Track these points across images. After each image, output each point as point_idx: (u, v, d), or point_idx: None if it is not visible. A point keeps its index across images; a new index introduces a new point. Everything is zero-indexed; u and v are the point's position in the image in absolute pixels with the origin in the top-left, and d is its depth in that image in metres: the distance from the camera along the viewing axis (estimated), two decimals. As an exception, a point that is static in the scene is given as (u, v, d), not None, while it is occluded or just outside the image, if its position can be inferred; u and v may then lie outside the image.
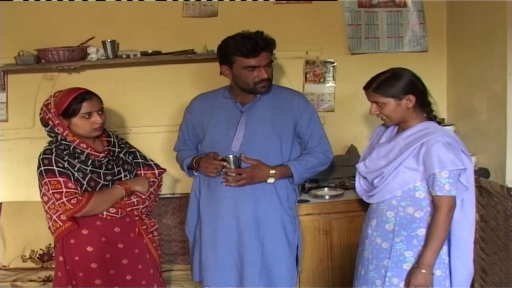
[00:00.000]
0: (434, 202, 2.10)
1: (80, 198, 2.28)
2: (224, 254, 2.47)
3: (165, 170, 2.64)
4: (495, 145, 2.79)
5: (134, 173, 2.52)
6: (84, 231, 2.35)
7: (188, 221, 2.62)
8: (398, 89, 2.12)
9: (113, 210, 2.37)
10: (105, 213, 2.36)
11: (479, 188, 2.84)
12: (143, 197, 2.46)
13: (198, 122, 2.56)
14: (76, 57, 3.10)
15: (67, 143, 2.32)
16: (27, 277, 3.08)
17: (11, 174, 3.36)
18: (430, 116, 2.21)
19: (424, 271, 2.08)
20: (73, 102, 2.30)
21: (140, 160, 2.56)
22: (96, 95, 2.38)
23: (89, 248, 2.34)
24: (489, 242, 2.83)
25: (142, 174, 2.54)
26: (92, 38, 3.19)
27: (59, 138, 2.33)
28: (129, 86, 3.33)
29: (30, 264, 3.22)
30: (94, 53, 3.12)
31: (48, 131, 2.36)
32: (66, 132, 2.32)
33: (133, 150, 2.58)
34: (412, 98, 2.13)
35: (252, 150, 2.42)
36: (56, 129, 2.32)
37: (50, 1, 3.19)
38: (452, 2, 3.26)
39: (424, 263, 2.08)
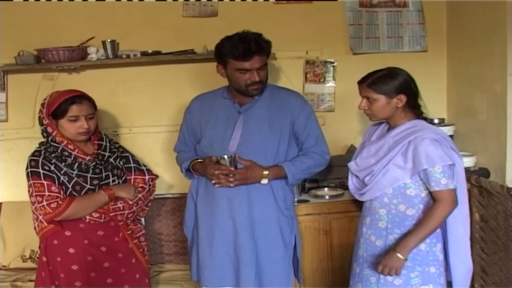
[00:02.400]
0: (435, 198, 2.11)
1: (60, 202, 2.27)
2: (221, 254, 2.47)
3: (157, 176, 2.62)
4: (495, 145, 2.79)
5: (124, 178, 2.51)
6: (67, 233, 2.34)
7: (186, 221, 2.63)
8: (391, 87, 2.14)
9: (95, 214, 2.36)
10: (88, 217, 2.35)
11: (479, 188, 2.85)
12: (130, 203, 2.44)
13: (197, 123, 2.56)
14: (76, 57, 3.10)
15: (56, 144, 2.33)
16: (27, 277, 3.07)
17: (11, 174, 3.35)
18: (420, 116, 2.23)
19: (399, 255, 2.07)
20: (62, 104, 2.30)
21: (132, 165, 2.54)
22: (89, 100, 2.37)
23: (71, 250, 2.34)
24: (489, 242, 2.84)
25: (132, 180, 2.52)
26: (92, 38, 3.18)
27: (49, 139, 2.34)
28: (129, 86, 3.33)
29: (30, 264, 3.21)
30: (94, 53, 3.12)
31: (42, 130, 2.37)
32: (55, 132, 2.32)
33: (126, 154, 2.56)
34: (403, 98, 2.16)
35: (249, 151, 2.42)
36: (48, 129, 2.33)
37: (50, 1, 3.19)
38: (452, 2, 3.26)
39: (403, 247, 2.07)
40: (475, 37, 2.97)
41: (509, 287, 2.68)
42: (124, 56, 3.13)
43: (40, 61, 3.14)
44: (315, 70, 3.37)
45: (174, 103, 3.29)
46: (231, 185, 2.38)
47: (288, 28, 3.25)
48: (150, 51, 3.17)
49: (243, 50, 2.31)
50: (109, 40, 3.10)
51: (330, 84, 3.38)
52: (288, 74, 3.33)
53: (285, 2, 3.29)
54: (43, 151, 2.34)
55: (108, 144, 2.47)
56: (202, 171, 2.47)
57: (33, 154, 2.35)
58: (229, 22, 3.10)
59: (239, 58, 2.33)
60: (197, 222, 2.55)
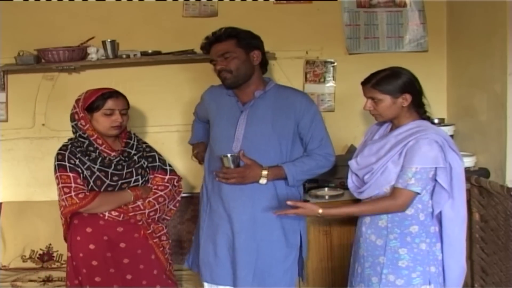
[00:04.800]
0: (392, 192, 2.12)
1: (87, 193, 2.34)
2: (223, 253, 2.48)
3: (180, 177, 2.62)
4: (495, 145, 2.79)
5: (147, 178, 2.52)
6: (88, 229, 2.40)
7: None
8: (396, 87, 2.14)
9: (114, 213, 2.40)
10: (106, 214, 2.39)
11: (479, 188, 2.84)
12: (152, 201, 2.47)
13: (208, 110, 2.62)
14: (76, 57, 3.11)
15: (83, 139, 2.38)
16: (27, 277, 3.08)
17: (11, 174, 3.36)
18: (424, 116, 2.23)
19: (320, 211, 2.17)
20: (99, 97, 2.37)
21: (157, 164, 2.56)
22: (123, 96, 2.45)
23: (91, 246, 2.39)
24: (489, 242, 2.83)
25: (152, 178, 2.54)
26: (92, 38, 3.19)
27: (78, 134, 2.39)
28: (129, 86, 3.31)
29: (30, 264, 3.23)
30: (94, 53, 3.13)
31: (72, 126, 2.42)
32: (88, 126, 2.37)
33: (153, 153, 2.58)
34: (408, 97, 2.15)
35: (252, 151, 2.42)
36: (79, 123, 2.38)
37: (50, 1, 3.19)
38: (452, 2, 3.26)
39: (330, 210, 2.22)
40: (475, 37, 2.97)
41: (509, 287, 2.67)
42: (124, 56, 3.13)
43: (40, 61, 3.14)
44: (315, 70, 3.37)
45: (174, 103, 3.29)
46: (229, 182, 2.39)
47: (288, 28, 3.26)
48: (150, 51, 3.17)
49: (205, 43, 2.47)
50: (109, 40, 3.10)
51: (330, 84, 3.38)
52: (288, 74, 3.33)
53: (285, 2, 3.29)
54: (69, 146, 2.41)
55: (135, 143, 2.53)
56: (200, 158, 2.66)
57: (60, 148, 2.41)
58: (229, 22, 3.07)
59: (207, 52, 2.47)
60: (206, 216, 2.57)
